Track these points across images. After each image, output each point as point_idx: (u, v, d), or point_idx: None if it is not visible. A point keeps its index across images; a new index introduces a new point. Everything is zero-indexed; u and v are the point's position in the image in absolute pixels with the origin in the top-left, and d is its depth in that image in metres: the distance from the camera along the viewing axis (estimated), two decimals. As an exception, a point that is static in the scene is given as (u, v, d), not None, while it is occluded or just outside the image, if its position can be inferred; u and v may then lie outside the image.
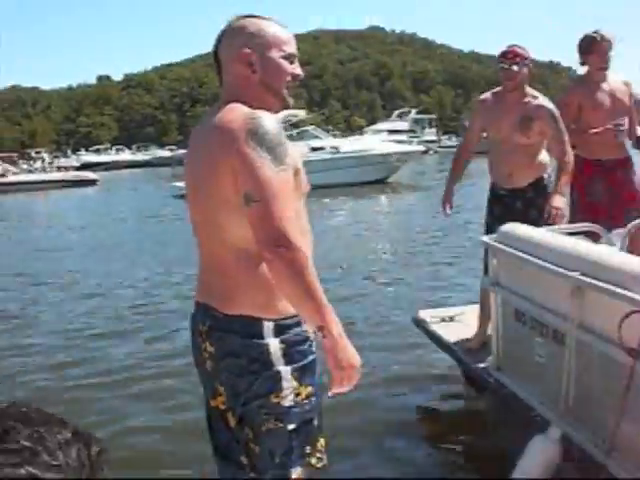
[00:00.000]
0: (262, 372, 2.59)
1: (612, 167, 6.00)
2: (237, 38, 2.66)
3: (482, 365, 4.95)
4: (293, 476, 2.66)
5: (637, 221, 4.99)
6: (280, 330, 2.61)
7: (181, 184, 18.79)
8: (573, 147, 5.28)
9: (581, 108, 5.89)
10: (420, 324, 6.15)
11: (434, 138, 64.23)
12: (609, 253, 3.90)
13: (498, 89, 5.46)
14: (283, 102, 2.72)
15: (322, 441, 2.77)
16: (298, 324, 2.64)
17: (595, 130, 5.78)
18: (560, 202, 5.01)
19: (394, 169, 32.49)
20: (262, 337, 2.58)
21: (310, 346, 2.69)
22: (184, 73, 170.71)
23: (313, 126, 36.76)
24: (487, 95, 5.58)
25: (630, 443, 3.33)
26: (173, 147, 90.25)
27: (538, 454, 3.72)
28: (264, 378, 2.59)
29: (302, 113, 43.37)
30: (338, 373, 2.54)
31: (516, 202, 5.36)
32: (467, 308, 6.18)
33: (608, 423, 3.30)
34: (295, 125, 34.77)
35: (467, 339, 5.42)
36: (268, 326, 2.59)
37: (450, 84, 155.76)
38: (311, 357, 2.68)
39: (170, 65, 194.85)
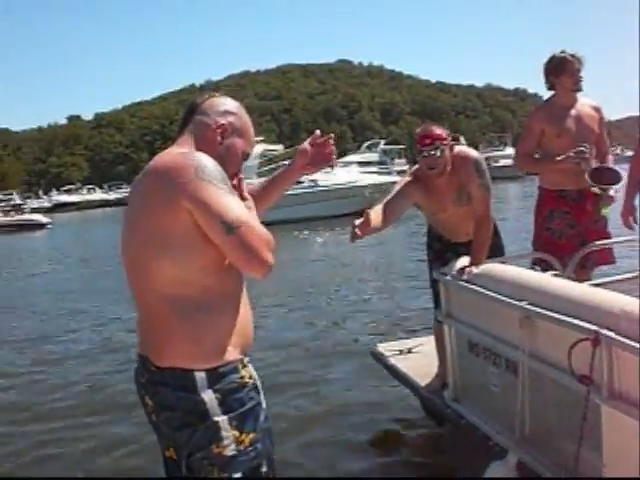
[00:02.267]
0: (200, 424, 2.55)
1: (577, 199, 5.49)
2: (222, 107, 2.85)
3: (440, 397, 4.96)
4: None
5: (586, 247, 5.04)
6: (214, 380, 2.56)
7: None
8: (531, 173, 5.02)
9: (544, 134, 5.47)
10: (378, 358, 6.16)
11: (404, 168, 64.47)
12: (556, 282, 3.95)
13: (419, 171, 4.82)
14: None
15: None
16: (233, 371, 2.61)
17: (559, 158, 5.32)
18: (480, 260, 4.54)
19: (373, 201, 32.24)
20: (195, 389, 2.55)
21: (249, 392, 2.65)
22: (154, 111, 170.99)
23: (290, 160, 36.90)
24: (414, 179, 4.85)
25: (586, 469, 3.33)
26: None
27: None
28: (203, 430, 2.55)
29: (279, 148, 43.53)
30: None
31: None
32: (424, 339, 6.18)
33: (564, 450, 3.31)
34: (271, 160, 34.89)
35: (426, 372, 5.37)
36: (201, 377, 2.55)
37: (418, 114, 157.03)
38: (250, 403, 2.64)
39: (140, 103, 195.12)
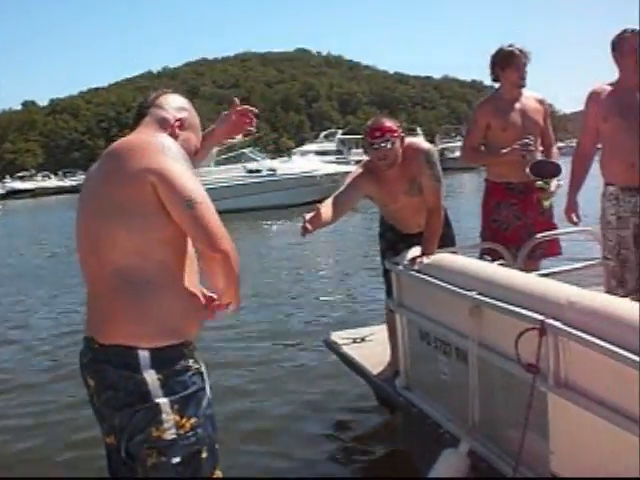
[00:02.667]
0: (140, 405, 2.55)
1: (523, 191, 5.51)
2: (178, 103, 2.96)
3: (392, 385, 5.01)
4: None
5: (534, 237, 5.13)
6: (157, 360, 2.56)
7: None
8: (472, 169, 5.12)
9: (490, 128, 5.49)
10: (331, 346, 6.21)
11: (361, 158, 64.38)
12: (505, 272, 4.03)
13: (370, 163, 4.85)
14: None
15: (219, 474, 2.74)
16: (178, 353, 2.62)
17: (504, 151, 5.34)
18: (432, 250, 4.60)
19: (332, 190, 32.16)
20: (138, 368, 2.54)
21: (192, 376, 2.65)
22: (111, 97, 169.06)
23: (250, 148, 36.72)
24: (365, 171, 4.88)
25: (534, 457, 3.41)
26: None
27: (447, 468, 3.83)
28: (143, 411, 2.55)
29: (238, 136, 43.28)
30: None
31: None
32: (377, 328, 6.22)
33: (513, 438, 3.38)
34: (229, 148, 34.75)
35: (379, 361, 5.42)
36: (144, 355, 2.55)
37: (376, 104, 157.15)
38: (193, 388, 2.64)
39: (97, 89, 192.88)
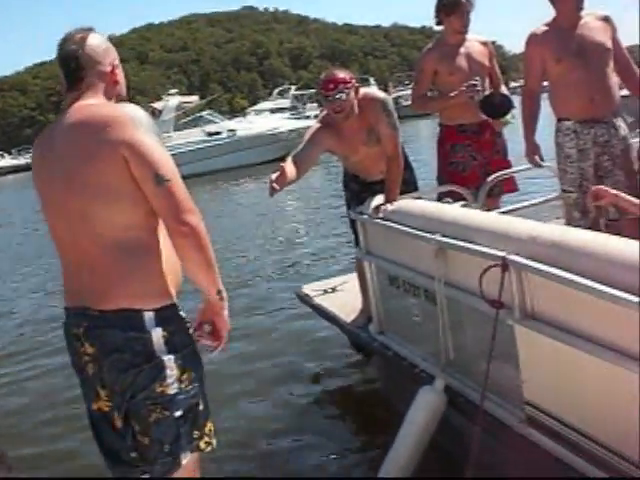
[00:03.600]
0: (146, 364, 2.64)
1: (477, 131, 5.66)
2: (101, 47, 2.87)
3: (366, 331, 5.13)
4: (183, 462, 2.76)
5: (492, 177, 5.24)
6: (161, 319, 2.67)
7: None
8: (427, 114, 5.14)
9: (437, 74, 5.58)
10: (303, 298, 6.32)
11: (317, 112, 64.02)
12: (467, 212, 4.16)
13: (327, 117, 4.91)
14: None
15: (210, 425, 2.87)
16: (177, 311, 2.74)
17: (452, 94, 5.43)
18: (394, 197, 4.70)
19: (293, 147, 31.86)
20: (143, 328, 2.64)
21: (190, 332, 2.78)
22: (57, 71, 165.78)
23: (209, 111, 36.39)
24: (323, 125, 4.94)
25: (507, 387, 3.58)
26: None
27: (424, 405, 3.97)
28: (148, 369, 2.64)
29: (195, 99, 42.85)
30: (224, 331, 2.84)
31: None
32: (347, 277, 6.33)
33: (484, 370, 3.51)
34: (187, 112, 34.45)
35: (352, 309, 5.52)
36: (149, 316, 2.65)
37: (327, 57, 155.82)
38: (192, 343, 2.77)
39: (43, 64, 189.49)
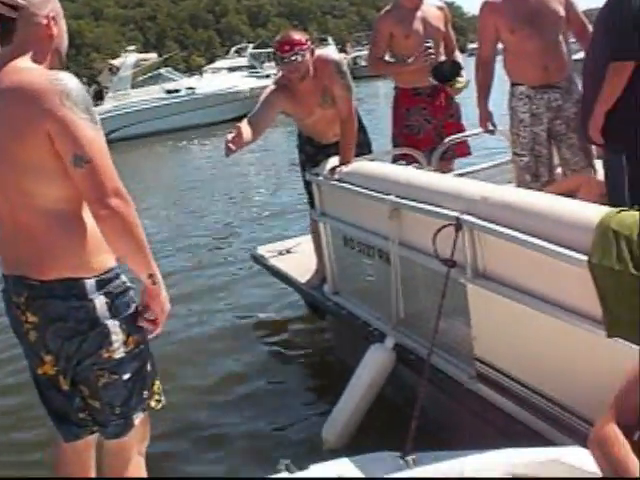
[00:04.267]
0: (91, 330, 2.61)
1: (432, 94, 5.69)
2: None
3: (320, 291, 5.21)
4: (135, 422, 2.78)
5: (446, 140, 5.30)
6: (102, 285, 2.63)
7: None
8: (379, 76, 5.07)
9: (393, 37, 5.59)
10: (258, 260, 6.36)
11: (274, 72, 63.08)
12: (420, 174, 4.23)
13: (283, 79, 4.91)
14: (61, 65, 2.74)
15: (158, 383, 2.88)
16: (117, 276, 2.69)
17: (409, 60, 5.52)
18: (349, 159, 4.73)
19: (253, 105, 31.39)
20: (85, 296, 2.60)
21: (131, 295, 2.74)
22: None
23: (167, 68, 35.90)
24: (278, 87, 4.94)
25: (458, 344, 3.70)
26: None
27: (372, 361, 4.07)
28: (93, 336, 2.62)
29: (153, 56, 42.20)
30: (162, 316, 2.74)
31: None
32: (302, 239, 6.36)
33: (432, 327, 3.58)
34: (144, 70, 33.93)
35: (306, 270, 5.56)
36: (90, 283, 2.60)
37: (285, 16, 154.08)
38: (134, 306, 2.74)
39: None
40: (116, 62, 35.92)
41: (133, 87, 32.26)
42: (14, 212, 2.63)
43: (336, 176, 4.60)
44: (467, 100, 5.77)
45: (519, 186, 4.87)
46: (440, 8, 5.80)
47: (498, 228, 3.16)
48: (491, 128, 5.20)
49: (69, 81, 2.48)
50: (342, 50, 61.07)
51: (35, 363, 2.80)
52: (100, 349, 2.64)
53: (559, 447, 2.70)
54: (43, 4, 2.63)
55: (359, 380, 4.05)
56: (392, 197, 3.91)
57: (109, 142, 2.60)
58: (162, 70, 34.77)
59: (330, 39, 65.73)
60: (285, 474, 2.67)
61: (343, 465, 2.80)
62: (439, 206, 3.56)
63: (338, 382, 4.27)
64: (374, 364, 4.05)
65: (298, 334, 6.16)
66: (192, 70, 71.07)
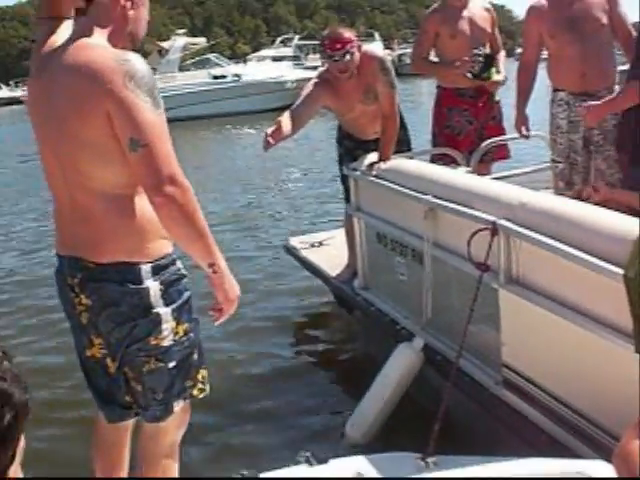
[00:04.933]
0: (143, 317, 2.61)
1: (474, 95, 5.64)
2: None
3: (350, 286, 5.18)
4: (175, 409, 2.78)
5: (485, 143, 5.25)
6: (157, 271, 2.61)
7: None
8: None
9: (439, 36, 5.54)
10: (290, 251, 6.35)
11: (319, 64, 62.98)
12: (458, 176, 4.19)
13: (327, 74, 4.87)
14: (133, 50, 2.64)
15: (203, 372, 2.87)
16: (173, 263, 2.68)
17: (457, 64, 5.41)
18: (388, 155, 4.71)
19: (297, 96, 31.42)
20: (141, 281, 2.58)
21: (185, 284, 2.73)
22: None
23: (215, 54, 36.12)
24: (321, 81, 4.90)
25: (487, 348, 3.66)
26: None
27: (400, 361, 4.04)
28: (145, 322, 2.62)
29: (202, 40, 42.44)
30: (227, 305, 2.70)
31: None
32: (336, 232, 6.31)
33: (462, 330, 3.56)
34: (194, 54, 34.15)
35: (337, 263, 5.54)
36: (145, 269, 2.58)
37: (334, 9, 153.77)
38: (187, 294, 2.72)
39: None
40: (165, 45, 36.21)
41: (180, 70, 32.51)
42: (71, 192, 2.62)
43: (374, 172, 4.58)
44: (508, 108, 5.73)
45: (556, 193, 4.83)
46: (487, 9, 5.75)
47: (535, 235, 3.13)
48: (525, 133, 5.16)
49: (136, 62, 2.43)
50: (388, 47, 60.97)
51: (84, 345, 2.81)
52: (149, 336, 2.64)
53: (583, 460, 2.67)
54: None
55: (386, 379, 4.02)
56: (429, 197, 3.89)
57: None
58: (210, 55, 35.02)
59: (377, 35, 65.65)
60: (304, 467, 2.67)
61: (362, 462, 2.80)
62: (476, 209, 3.54)
63: (363, 376, 4.25)
64: (402, 364, 4.02)
65: (325, 327, 6.17)
66: (237, 57, 71.24)
